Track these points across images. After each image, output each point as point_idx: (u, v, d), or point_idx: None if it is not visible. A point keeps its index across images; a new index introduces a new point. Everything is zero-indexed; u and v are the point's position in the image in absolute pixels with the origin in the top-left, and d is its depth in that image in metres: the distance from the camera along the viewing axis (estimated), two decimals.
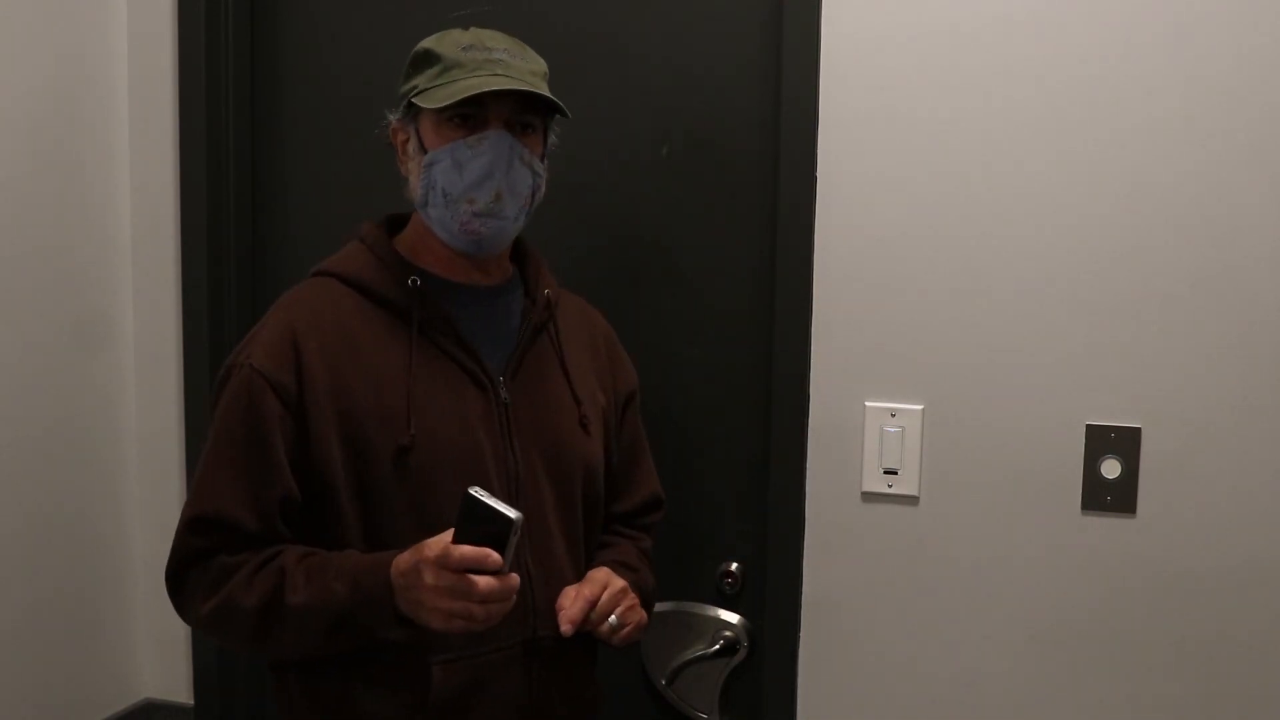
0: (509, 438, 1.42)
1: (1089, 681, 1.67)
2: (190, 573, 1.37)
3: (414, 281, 1.40)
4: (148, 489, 2.08)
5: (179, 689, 2.10)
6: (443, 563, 1.23)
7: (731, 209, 1.81)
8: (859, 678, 1.76)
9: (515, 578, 1.25)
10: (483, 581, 1.22)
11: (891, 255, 1.69)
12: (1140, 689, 1.65)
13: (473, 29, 1.44)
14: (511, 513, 1.21)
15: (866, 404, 1.72)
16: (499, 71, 1.38)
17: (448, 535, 1.25)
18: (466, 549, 1.22)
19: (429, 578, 1.24)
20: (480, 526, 1.22)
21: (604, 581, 1.43)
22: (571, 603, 1.39)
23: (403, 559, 1.28)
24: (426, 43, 1.43)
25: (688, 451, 1.85)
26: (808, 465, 1.75)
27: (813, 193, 1.71)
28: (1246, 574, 1.59)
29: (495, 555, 1.22)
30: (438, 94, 1.38)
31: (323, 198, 2.01)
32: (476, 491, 1.22)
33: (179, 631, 2.08)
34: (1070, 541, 1.65)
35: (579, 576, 1.46)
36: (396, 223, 1.51)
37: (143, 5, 2.00)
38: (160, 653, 2.11)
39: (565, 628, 1.37)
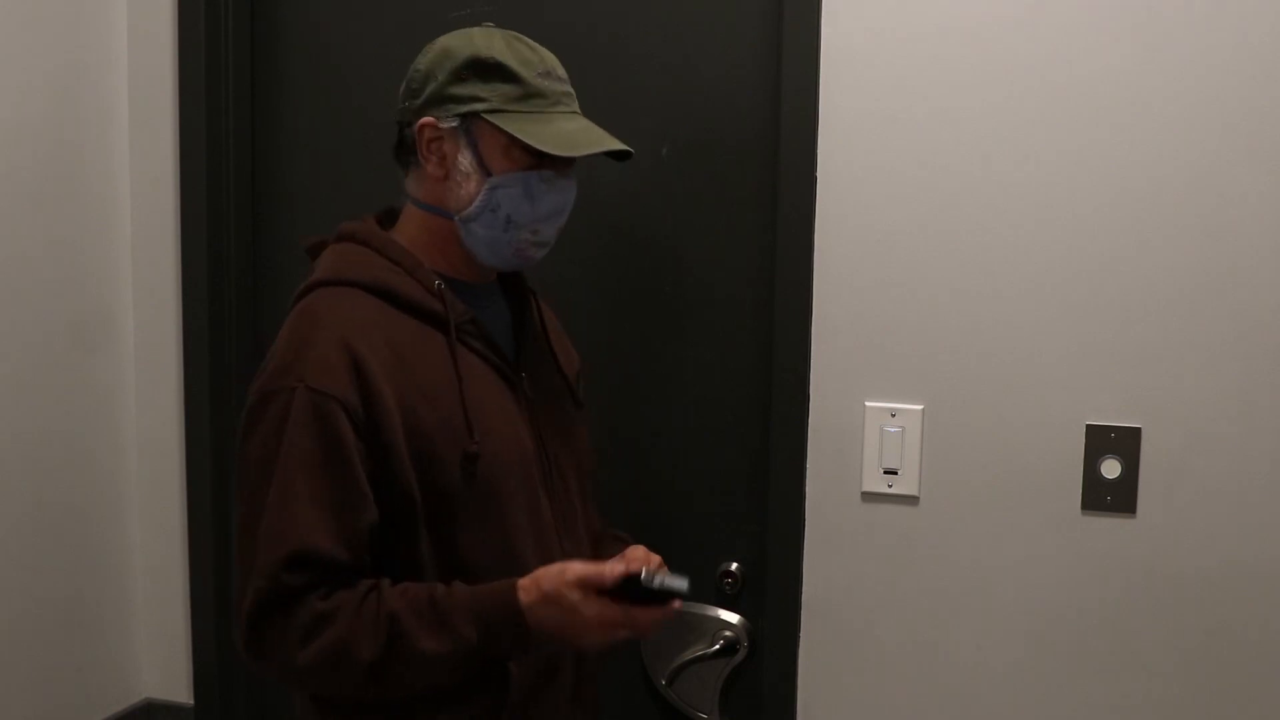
0: (538, 431, 1.44)
1: (1089, 681, 1.67)
2: (274, 617, 1.27)
3: (439, 285, 1.38)
4: (147, 489, 2.08)
5: (179, 689, 2.10)
6: (621, 625, 1.30)
7: (731, 209, 1.81)
8: (859, 678, 1.76)
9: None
10: (646, 618, 1.32)
11: (891, 255, 1.69)
12: (1140, 689, 1.65)
13: (528, 42, 1.40)
14: (684, 583, 1.29)
15: (866, 404, 1.72)
16: (575, 109, 1.41)
17: (589, 574, 1.28)
18: (646, 615, 1.30)
19: (588, 610, 1.28)
20: (641, 593, 1.28)
21: (644, 559, 1.43)
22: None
23: (547, 592, 1.29)
24: (492, 50, 1.37)
25: (688, 451, 1.85)
26: (808, 465, 1.75)
27: (813, 193, 1.71)
28: (1246, 574, 1.59)
29: (680, 604, 1.32)
30: (536, 130, 1.35)
31: (323, 198, 2.00)
32: (648, 577, 1.27)
33: (179, 631, 2.08)
34: (1070, 541, 1.65)
35: (596, 558, 1.46)
36: (381, 222, 1.47)
37: (143, 5, 2.00)
38: (160, 653, 2.11)
39: None
